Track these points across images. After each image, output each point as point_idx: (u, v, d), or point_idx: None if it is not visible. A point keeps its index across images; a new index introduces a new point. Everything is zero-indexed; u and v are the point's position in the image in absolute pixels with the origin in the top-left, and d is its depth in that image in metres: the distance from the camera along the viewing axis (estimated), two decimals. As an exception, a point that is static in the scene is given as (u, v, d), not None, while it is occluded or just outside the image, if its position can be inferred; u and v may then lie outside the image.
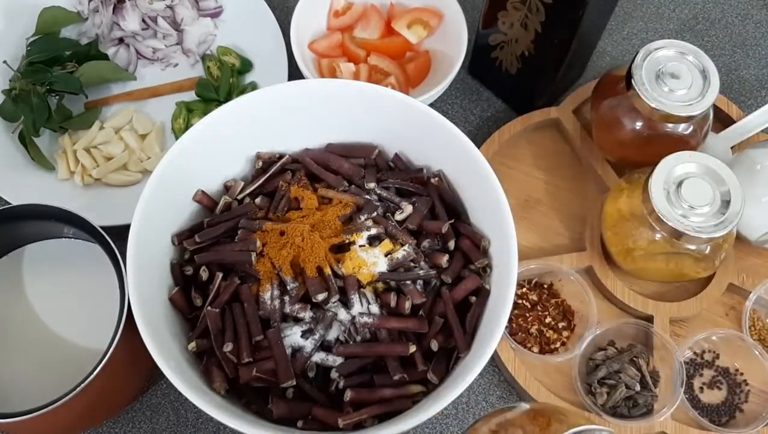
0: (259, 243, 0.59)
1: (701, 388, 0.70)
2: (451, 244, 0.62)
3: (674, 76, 0.67)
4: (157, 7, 0.81)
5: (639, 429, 0.66)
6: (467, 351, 0.57)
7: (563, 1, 0.66)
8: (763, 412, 0.68)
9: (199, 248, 0.61)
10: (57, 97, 0.76)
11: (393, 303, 0.58)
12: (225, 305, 0.58)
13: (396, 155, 0.67)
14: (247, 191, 0.64)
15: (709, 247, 0.65)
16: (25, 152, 0.74)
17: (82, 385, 0.56)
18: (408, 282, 0.59)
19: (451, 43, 0.79)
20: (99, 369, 0.57)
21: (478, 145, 0.71)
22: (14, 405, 0.60)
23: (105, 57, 0.80)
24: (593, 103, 0.75)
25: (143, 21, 0.82)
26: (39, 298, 0.68)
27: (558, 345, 0.70)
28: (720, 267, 0.70)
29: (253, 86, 0.80)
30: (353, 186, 0.64)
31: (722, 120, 0.80)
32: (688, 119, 0.67)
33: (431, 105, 0.75)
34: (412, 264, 0.60)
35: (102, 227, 0.62)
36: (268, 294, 0.58)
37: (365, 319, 0.57)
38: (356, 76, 0.79)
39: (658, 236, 0.64)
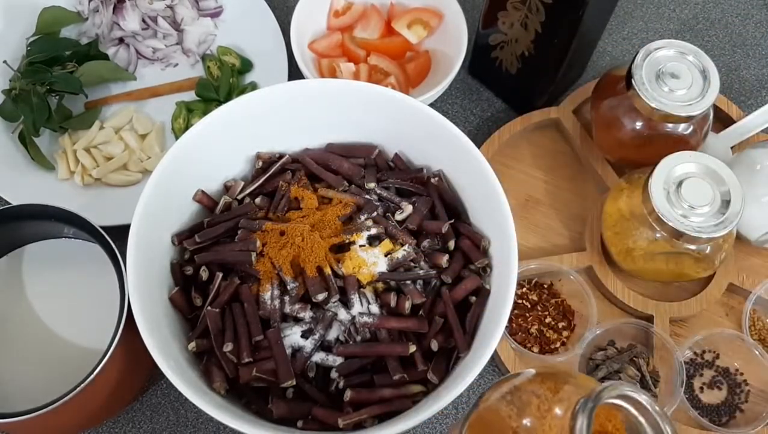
0: (259, 243, 0.59)
1: (701, 388, 0.70)
2: (451, 244, 0.62)
3: (674, 76, 0.67)
4: (157, 7, 0.81)
5: (639, 429, 0.66)
6: (467, 350, 0.57)
7: (563, 1, 0.66)
8: (763, 412, 0.68)
9: (199, 248, 0.61)
10: (57, 97, 0.76)
11: (393, 303, 0.58)
12: (225, 305, 0.58)
13: (396, 155, 0.67)
14: (247, 191, 0.64)
15: (709, 247, 0.65)
16: (25, 152, 0.74)
17: (82, 385, 0.56)
18: (408, 282, 0.59)
19: (451, 43, 0.79)
20: (99, 369, 0.57)
21: (478, 145, 0.71)
22: (14, 405, 0.60)
23: (105, 57, 0.80)
24: (593, 103, 0.75)
25: (143, 21, 0.82)
26: (39, 298, 0.68)
27: (558, 344, 0.70)
28: (720, 267, 0.70)
29: (253, 86, 0.80)
30: (353, 186, 0.64)
31: (722, 120, 0.80)
32: (688, 119, 0.67)
33: (431, 105, 0.75)
34: (412, 264, 0.60)
35: (102, 227, 0.62)
36: (268, 294, 0.58)
37: (365, 319, 0.57)
38: (356, 76, 0.79)
39: (658, 236, 0.64)
